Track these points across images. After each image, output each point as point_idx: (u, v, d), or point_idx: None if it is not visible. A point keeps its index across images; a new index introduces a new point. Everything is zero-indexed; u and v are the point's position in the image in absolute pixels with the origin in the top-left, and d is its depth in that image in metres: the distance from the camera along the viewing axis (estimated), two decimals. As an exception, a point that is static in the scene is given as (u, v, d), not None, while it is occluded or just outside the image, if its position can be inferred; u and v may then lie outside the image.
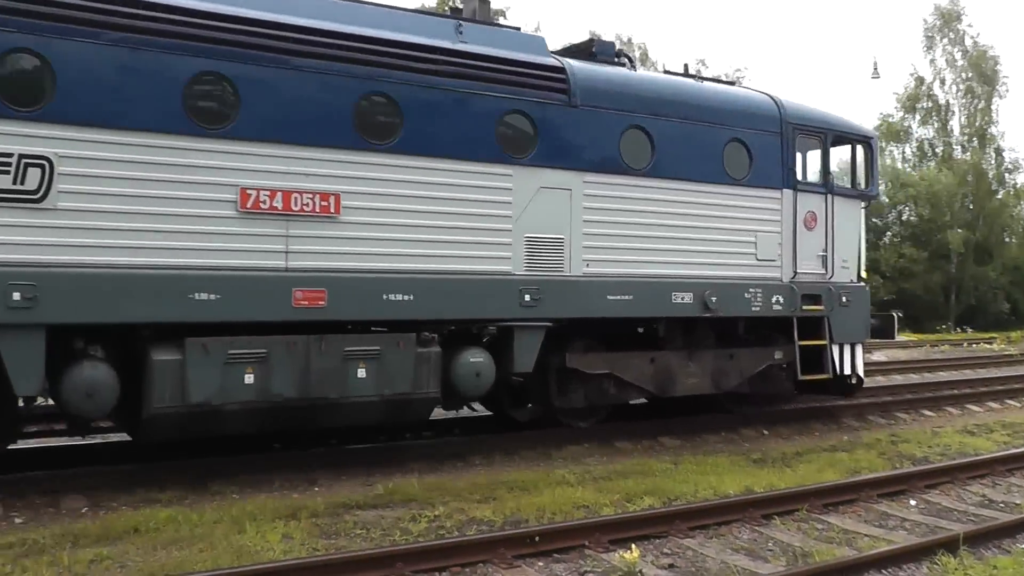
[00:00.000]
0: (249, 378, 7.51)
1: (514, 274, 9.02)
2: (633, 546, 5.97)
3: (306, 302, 7.87)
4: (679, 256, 10.17)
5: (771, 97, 11.50)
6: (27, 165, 6.78)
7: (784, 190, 11.15)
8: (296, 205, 7.84)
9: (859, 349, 12.03)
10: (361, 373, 8.11)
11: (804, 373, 11.27)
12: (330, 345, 7.96)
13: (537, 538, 6.05)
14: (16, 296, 6.69)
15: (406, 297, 8.27)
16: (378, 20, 8.61)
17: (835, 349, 11.63)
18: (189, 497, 7.66)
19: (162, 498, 7.64)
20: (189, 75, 7.37)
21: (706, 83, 11.34)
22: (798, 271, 11.22)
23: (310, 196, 7.92)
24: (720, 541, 6.56)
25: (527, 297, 9.00)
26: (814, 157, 11.77)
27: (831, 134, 11.79)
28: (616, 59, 10.59)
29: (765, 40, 63.81)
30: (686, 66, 11.84)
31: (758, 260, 10.83)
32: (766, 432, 11.31)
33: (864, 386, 12.98)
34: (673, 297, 10.02)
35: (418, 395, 8.40)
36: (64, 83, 6.87)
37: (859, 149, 12.33)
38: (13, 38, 6.82)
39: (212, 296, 7.38)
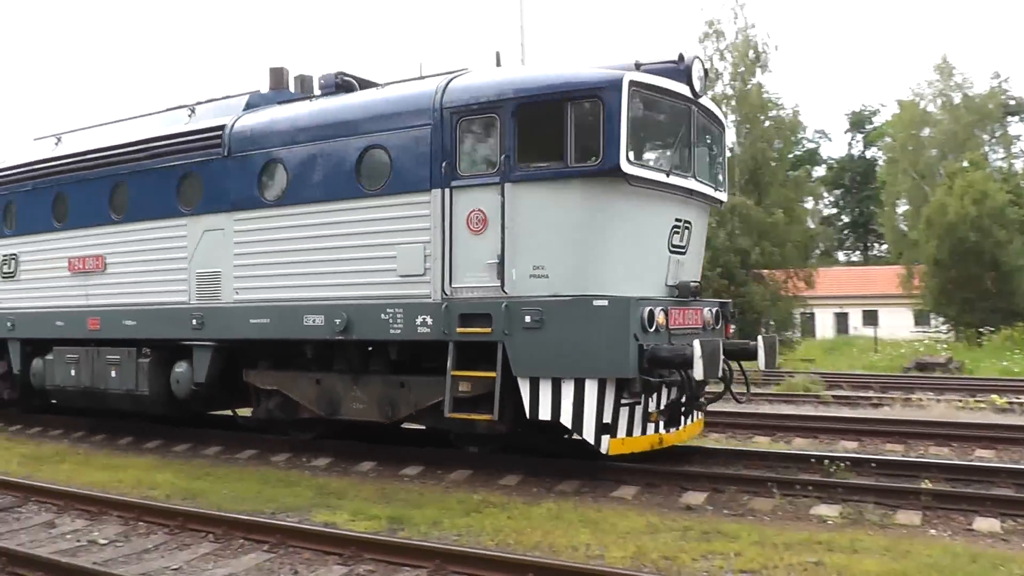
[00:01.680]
0: (73, 370, 12.63)
1: (188, 303, 11.50)
2: None
3: (93, 326, 12.72)
4: (311, 279, 10.17)
5: (442, 84, 9.28)
6: None
7: (434, 191, 9.27)
8: (88, 265, 12.63)
9: (568, 387, 8.38)
10: (113, 373, 12.38)
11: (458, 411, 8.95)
12: (100, 355, 12.49)
13: None
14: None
15: (133, 323, 12.11)
16: (129, 131, 12.31)
17: (526, 385, 8.60)
18: None
19: None
20: (53, 196, 12.92)
21: (369, 91, 10.20)
22: (455, 286, 9.12)
23: (94, 258, 12.45)
24: None
25: (194, 322, 11.37)
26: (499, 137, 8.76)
27: (512, 103, 8.77)
28: (333, 89, 10.70)
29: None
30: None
31: (400, 277, 9.43)
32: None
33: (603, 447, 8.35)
34: (305, 319, 10.16)
35: (137, 392, 12.04)
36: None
37: (574, 107, 8.42)
38: None
39: (60, 323, 12.65)
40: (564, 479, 9.23)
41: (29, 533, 7.79)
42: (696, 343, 8.44)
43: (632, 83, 8.57)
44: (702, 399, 9.50)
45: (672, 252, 9.32)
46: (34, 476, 10.03)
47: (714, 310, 9.94)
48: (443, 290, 9.24)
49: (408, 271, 9.40)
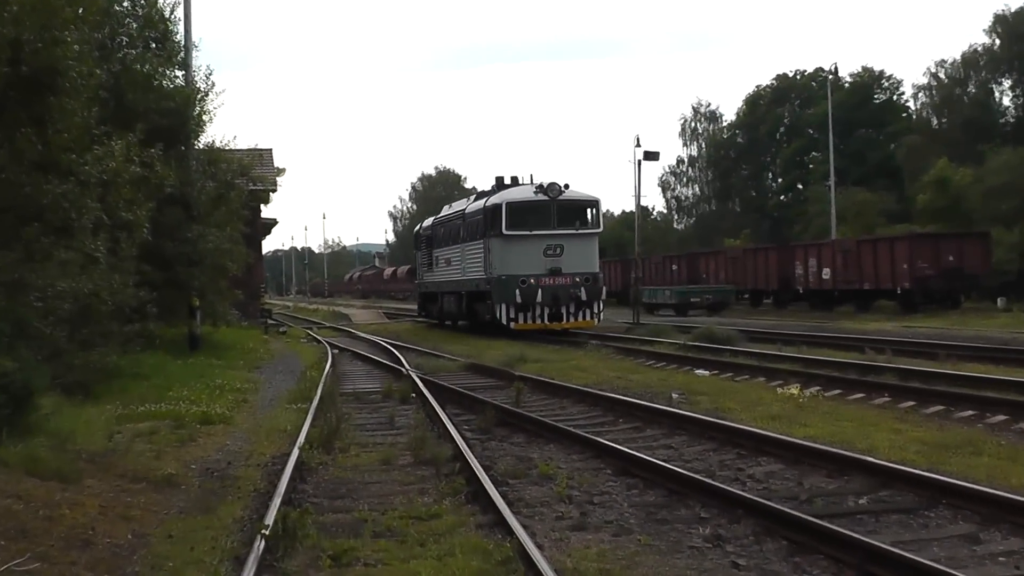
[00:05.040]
0: (446, 305, 38.45)
1: (462, 278, 38.82)
2: None
3: (450, 287, 41.54)
4: (475, 269, 33.27)
5: (486, 200, 32.73)
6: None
7: (484, 239, 31.71)
8: (448, 263, 38.55)
9: (501, 306, 30.28)
10: (453, 305, 39.88)
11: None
12: (451, 297, 38.59)
13: None
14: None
15: (456, 285, 39.80)
16: (457, 205, 39.20)
17: (496, 306, 30.87)
18: None
19: None
20: (442, 231, 39.87)
21: (482, 197, 33.78)
22: (488, 273, 31.45)
23: (446, 260, 40.22)
24: None
25: (463, 285, 38.16)
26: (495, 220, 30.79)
27: (490, 208, 31.43)
28: (491, 188, 36.45)
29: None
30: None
31: (483, 270, 32.06)
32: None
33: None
34: (478, 285, 33.77)
35: (456, 312, 41.86)
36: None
37: (496, 210, 31.57)
38: None
39: (445, 286, 39.66)
40: None
41: (943, 547, 7.50)
42: (517, 290, 29.68)
43: (507, 203, 29.81)
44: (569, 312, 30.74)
45: (546, 257, 30.01)
46: (940, 469, 9.66)
47: (578, 279, 30.35)
48: (485, 274, 30.92)
49: (483, 267, 31.57)
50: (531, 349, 25.19)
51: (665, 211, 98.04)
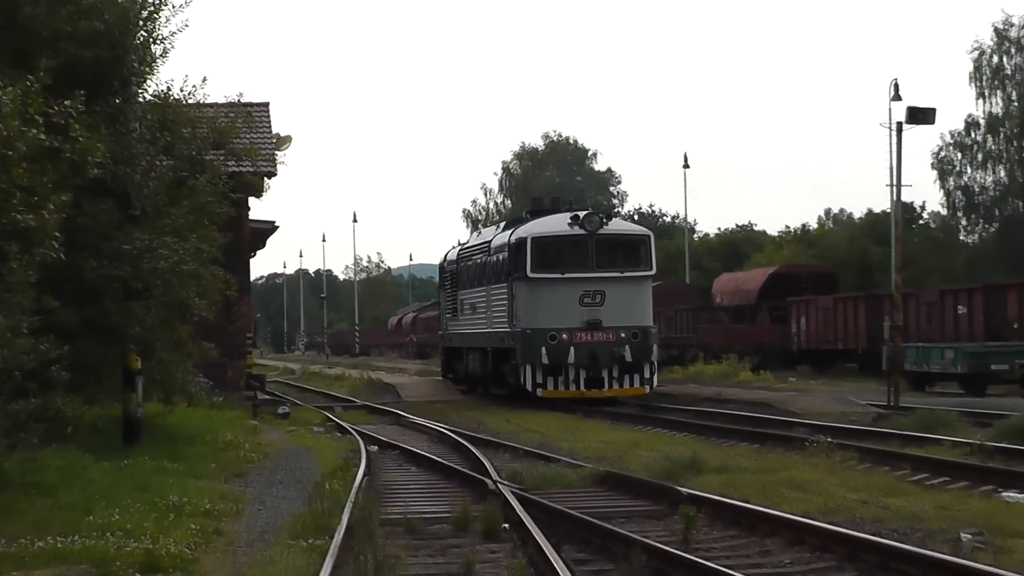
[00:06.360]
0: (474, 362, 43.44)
1: (487, 330, 47.37)
2: None
3: (473, 342, 47.96)
4: (501, 321, 41.44)
5: (512, 232, 41.45)
6: None
7: (508, 282, 40.21)
8: (473, 309, 47.67)
9: (524, 368, 39.89)
10: (478, 365, 50.18)
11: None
12: (476, 354, 45.82)
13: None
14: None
15: (480, 339, 47.12)
16: (485, 235, 45.47)
17: (522, 367, 39.48)
18: None
19: None
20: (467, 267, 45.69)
21: (508, 229, 42.55)
22: (513, 326, 39.25)
23: (471, 306, 47.99)
24: None
25: (488, 339, 46.23)
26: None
27: (514, 244, 41.58)
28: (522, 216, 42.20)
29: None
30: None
31: (508, 321, 40.33)
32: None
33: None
34: (503, 340, 42.85)
35: (481, 374, 50.84)
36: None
37: (522, 246, 43.46)
38: None
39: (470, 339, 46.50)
40: None
41: None
42: (544, 348, 37.81)
43: (533, 238, 39.23)
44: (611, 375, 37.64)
45: (583, 306, 39.56)
46: None
47: (623, 334, 39.49)
48: (510, 326, 38.35)
49: (508, 317, 39.30)
50: (709, 449, 26.04)
51: (945, 211, 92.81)
